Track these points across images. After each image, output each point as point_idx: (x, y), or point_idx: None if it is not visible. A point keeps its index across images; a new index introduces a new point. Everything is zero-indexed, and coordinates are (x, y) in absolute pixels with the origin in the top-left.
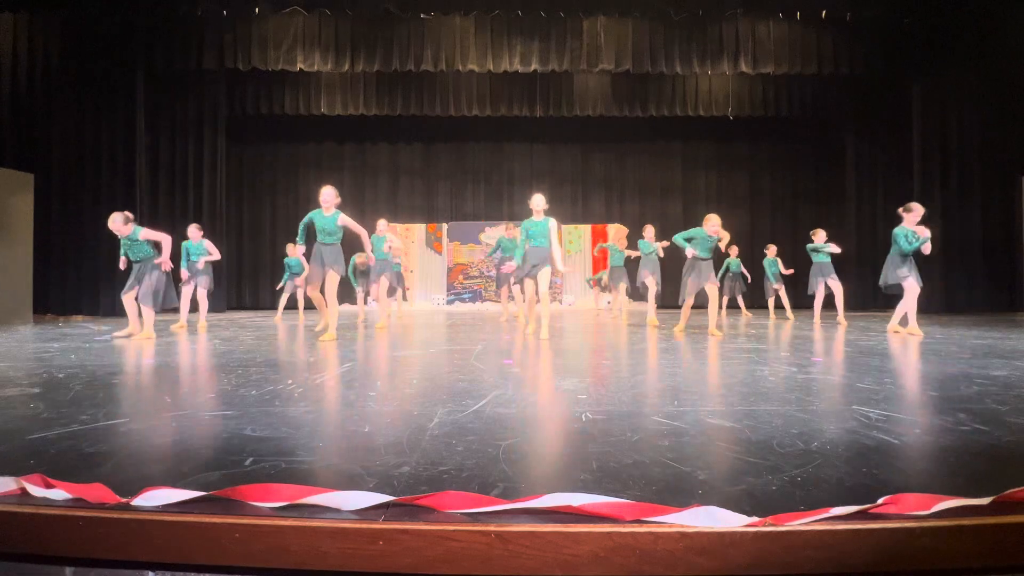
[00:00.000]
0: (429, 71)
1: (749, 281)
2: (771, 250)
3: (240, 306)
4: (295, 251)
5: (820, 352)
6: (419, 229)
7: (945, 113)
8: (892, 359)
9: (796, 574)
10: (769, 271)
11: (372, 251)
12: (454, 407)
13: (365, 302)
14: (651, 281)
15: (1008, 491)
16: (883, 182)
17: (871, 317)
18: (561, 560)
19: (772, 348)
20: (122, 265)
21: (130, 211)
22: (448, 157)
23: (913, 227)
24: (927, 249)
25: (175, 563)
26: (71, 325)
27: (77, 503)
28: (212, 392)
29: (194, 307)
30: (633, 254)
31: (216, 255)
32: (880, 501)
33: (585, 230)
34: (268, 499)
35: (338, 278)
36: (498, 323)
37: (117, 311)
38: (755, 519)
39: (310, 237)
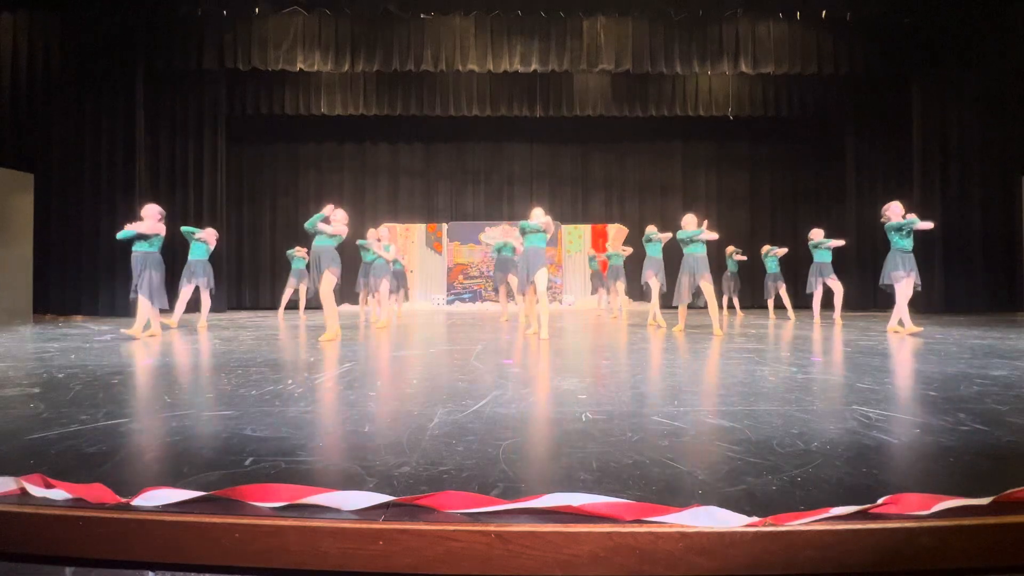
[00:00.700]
0: (429, 71)
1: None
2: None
3: (240, 306)
4: (304, 252)
5: (819, 352)
6: (419, 229)
7: (945, 113)
8: (892, 359)
9: (796, 574)
10: (769, 268)
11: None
12: (454, 407)
13: (366, 302)
14: (654, 282)
15: (1008, 491)
16: (883, 182)
17: (871, 317)
18: (561, 560)
19: (772, 348)
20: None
21: (130, 211)
22: (448, 157)
23: (901, 219)
24: (926, 225)
25: (175, 563)
26: (71, 325)
27: (77, 503)
28: (212, 392)
29: (192, 307)
30: (627, 251)
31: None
32: (880, 501)
33: (585, 230)
34: (268, 499)
35: (334, 279)
36: (498, 323)
37: (117, 311)
38: (755, 519)
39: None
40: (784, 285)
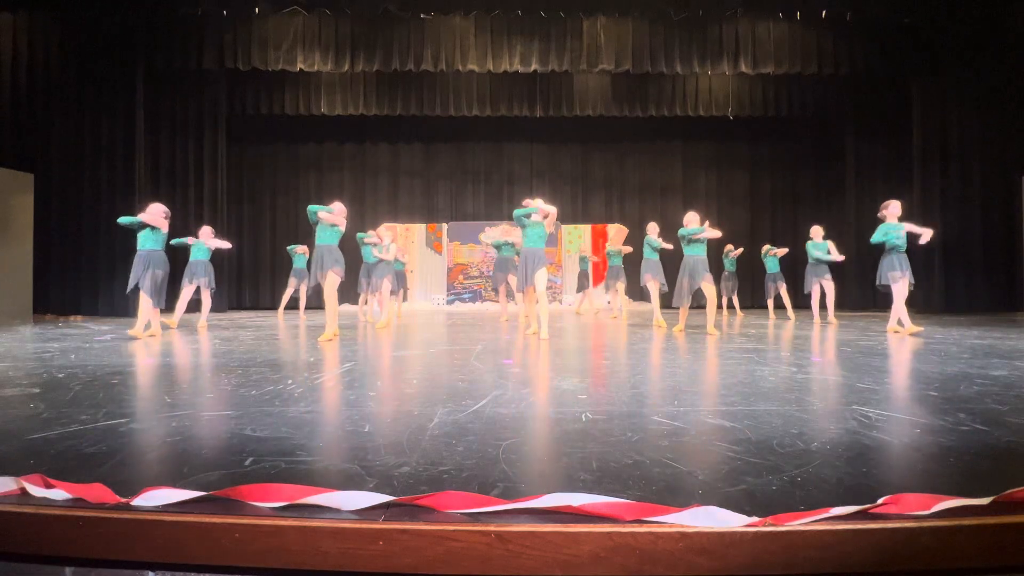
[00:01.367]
0: (429, 71)
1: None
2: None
3: (240, 306)
4: (304, 250)
5: (819, 352)
6: (419, 229)
7: (945, 113)
8: (892, 359)
9: (796, 574)
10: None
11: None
12: (454, 407)
13: (366, 302)
14: (653, 285)
15: (1008, 491)
16: (883, 182)
17: (871, 317)
18: (561, 560)
19: (772, 348)
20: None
21: (130, 211)
22: (448, 157)
23: (896, 221)
24: (926, 237)
25: (175, 563)
26: (71, 325)
27: (77, 503)
28: (212, 392)
29: (193, 307)
30: (626, 250)
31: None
32: (880, 501)
33: (585, 230)
34: (268, 499)
35: (338, 279)
36: (498, 323)
37: (117, 311)
38: (755, 519)
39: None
40: (784, 285)
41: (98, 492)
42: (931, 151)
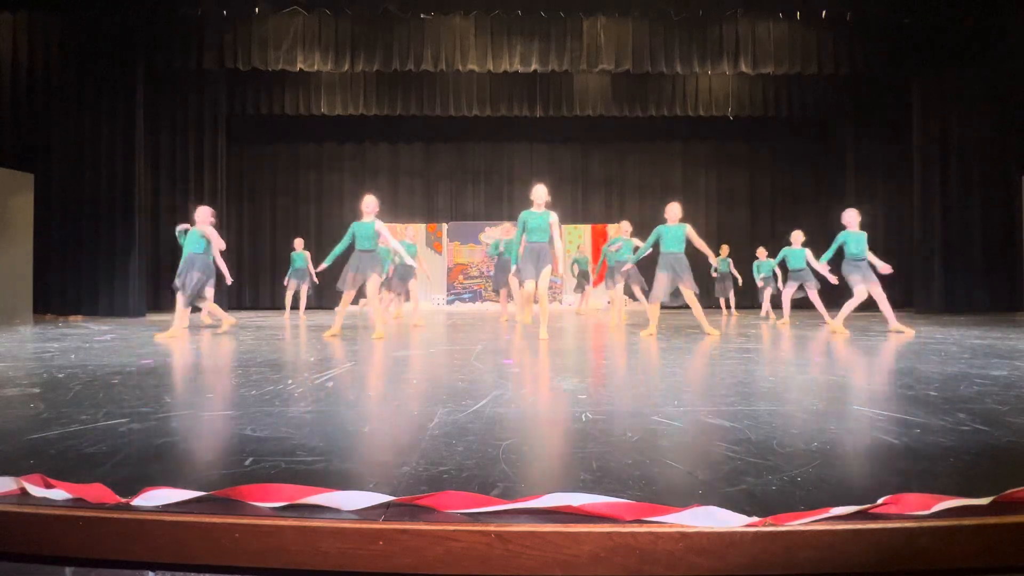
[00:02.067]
0: (429, 71)
1: (740, 284)
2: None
3: (240, 306)
4: (301, 245)
5: (818, 352)
6: (419, 229)
7: (945, 113)
8: (892, 359)
9: (796, 574)
10: (757, 273)
11: (401, 259)
12: (454, 407)
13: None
14: (637, 290)
15: (1008, 491)
16: (883, 182)
17: (871, 317)
18: (561, 560)
19: (771, 348)
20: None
21: (130, 211)
22: (448, 157)
23: (856, 230)
24: (884, 270)
25: (175, 563)
26: (71, 325)
27: (77, 503)
28: (212, 392)
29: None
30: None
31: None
32: (880, 501)
33: (585, 230)
34: (268, 499)
35: (379, 280)
36: (498, 323)
37: (116, 311)
38: (755, 519)
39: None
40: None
41: (98, 492)
42: (931, 151)
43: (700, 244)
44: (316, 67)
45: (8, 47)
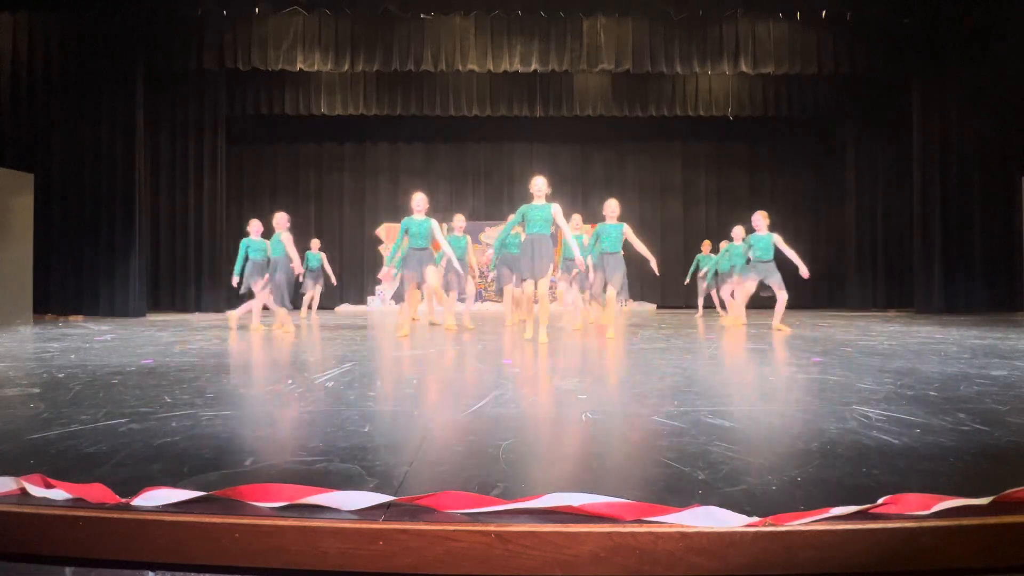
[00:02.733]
0: (429, 71)
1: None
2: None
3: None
4: (317, 246)
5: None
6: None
7: (945, 113)
8: (892, 359)
9: (796, 574)
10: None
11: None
12: (454, 407)
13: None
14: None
15: (1008, 491)
16: (883, 182)
17: (871, 318)
18: (561, 560)
19: (770, 348)
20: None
21: (130, 211)
22: (448, 157)
23: (765, 232)
24: (803, 273)
25: (175, 563)
26: (71, 325)
27: (77, 503)
28: (212, 392)
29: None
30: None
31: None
32: (880, 501)
33: (585, 230)
34: (268, 499)
35: (439, 275)
36: (500, 325)
37: (117, 311)
38: (755, 519)
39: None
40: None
41: (98, 492)
42: (931, 151)
43: (638, 245)
44: (316, 67)
45: (8, 47)
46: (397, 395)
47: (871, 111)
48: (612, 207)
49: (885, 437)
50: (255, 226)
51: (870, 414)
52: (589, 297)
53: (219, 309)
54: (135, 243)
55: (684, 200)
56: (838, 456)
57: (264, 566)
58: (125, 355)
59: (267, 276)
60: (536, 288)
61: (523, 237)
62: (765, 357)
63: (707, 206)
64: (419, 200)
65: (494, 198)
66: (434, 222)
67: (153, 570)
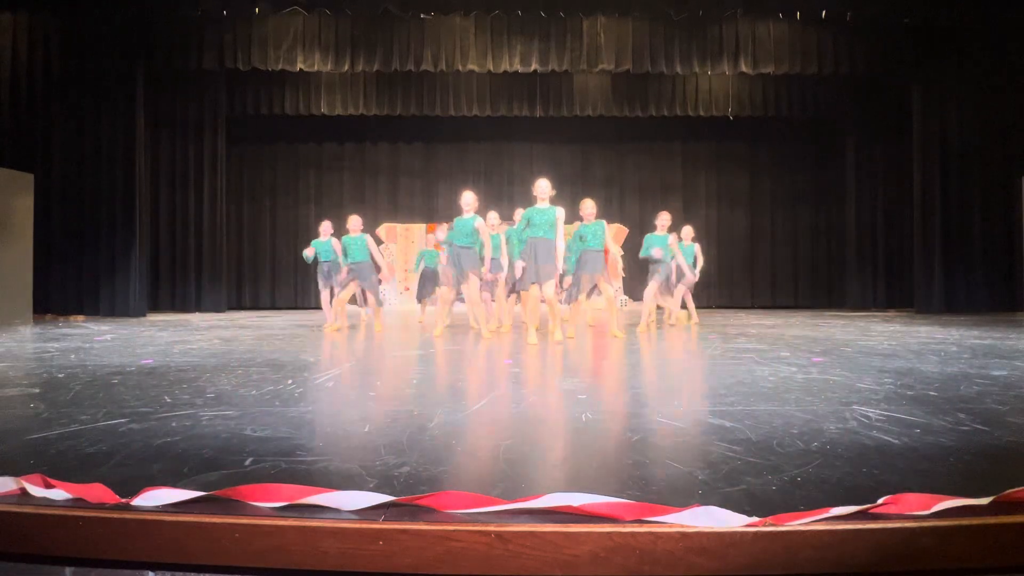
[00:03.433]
0: (429, 71)
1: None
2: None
3: (240, 306)
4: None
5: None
6: (419, 229)
7: (945, 113)
8: (892, 359)
9: (796, 574)
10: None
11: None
12: (454, 407)
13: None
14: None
15: (1008, 491)
16: (883, 182)
17: (871, 317)
18: (561, 560)
19: (770, 348)
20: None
21: (130, 211)
22: (448, 157)
23: (663, 232)
24: (692, 274)
25: (175, 563)
26: (71, 325)
27: (77, 503)
28: (212, 392)
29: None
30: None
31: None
32: (880, 501)
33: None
34: (268, 499)
35: (479, 281)
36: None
37: (117, 311)
38: (755, 519)
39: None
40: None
41: (98, 492)
42: (931, 151)
43: (611, 243)
44: (316, 67)
45: (8, 47)
46: (397, 395)
47: (871, 111)
48: (589, 206)
49: (885, 437)
50: (326, 227)
51: (870, 414)
52: (570, 299)
53: (219, 309)
54: (135, 243)
55: (684, 200)
56: (838, 456)
57: (264, 566)
58: (125, 355)
59: (343, 277)
60: (542, 291)
61: (527, 241)
62: (765, 357)
63: (707, 206)
64: (468, 198)
65: (494, 198)
66: (480, 219)
67: (153, 570)
